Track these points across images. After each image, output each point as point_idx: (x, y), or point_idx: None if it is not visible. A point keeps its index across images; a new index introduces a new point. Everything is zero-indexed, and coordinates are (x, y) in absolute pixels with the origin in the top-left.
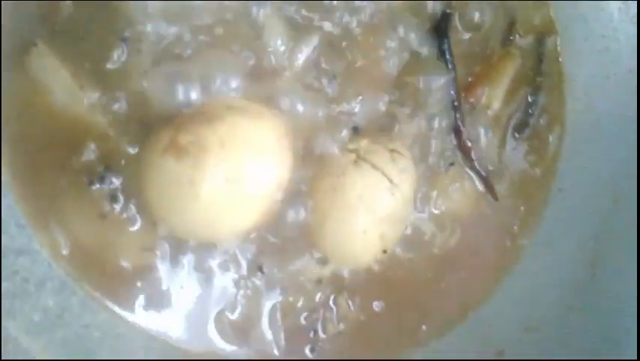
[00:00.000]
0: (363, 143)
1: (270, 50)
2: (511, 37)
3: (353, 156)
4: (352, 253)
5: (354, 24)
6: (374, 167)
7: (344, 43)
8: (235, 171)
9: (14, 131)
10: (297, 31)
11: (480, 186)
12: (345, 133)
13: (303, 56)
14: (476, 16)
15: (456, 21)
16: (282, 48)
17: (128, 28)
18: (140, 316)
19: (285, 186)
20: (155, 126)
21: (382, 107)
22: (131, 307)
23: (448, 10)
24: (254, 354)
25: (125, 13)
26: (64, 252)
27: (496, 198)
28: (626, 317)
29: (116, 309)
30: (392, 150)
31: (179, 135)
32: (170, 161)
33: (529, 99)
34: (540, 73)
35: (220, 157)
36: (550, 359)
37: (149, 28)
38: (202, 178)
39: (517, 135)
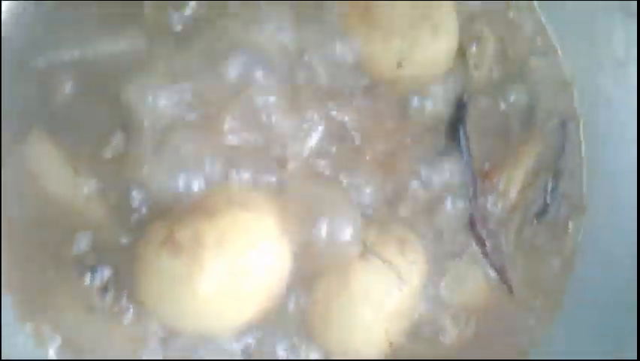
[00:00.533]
0: (372, 233)
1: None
2: (533, 122)
3: (360, 247)
4: (355, 348)
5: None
6: (382, 261)
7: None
8: (233, 268)
9: (6, 219)
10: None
11: (493, 278)
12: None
13: (311, 142)
14: (496, 101)
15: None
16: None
17: (129, 116)
18: None
19: (285, 279)
20: (152, 218)
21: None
22: None
23: (465, 96)
24: None
25: (126, 101)
26: (52, 347)
27: (511, 291)
28: None
29: None
30: (402, 241)
31: (175, 230)
32: (166, 257)
33: (550, 186)
34: (561, 158)
35: (218, 253)
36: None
37: (150, 117)
38: (199, 275)
39: (535, 223)
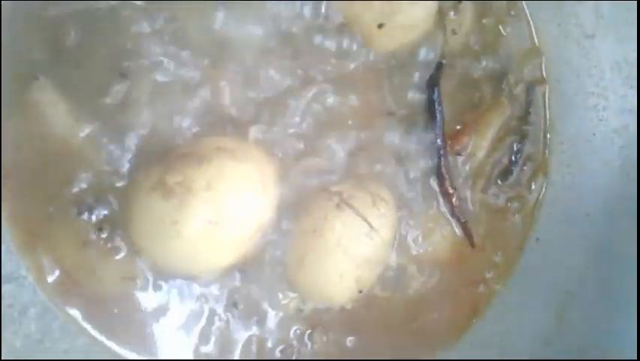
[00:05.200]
0: (347, 186)
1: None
2: (503, 87)
3: (336, 199)
4: (328, 294)
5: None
6: (355, 211)
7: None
8: (218, 214)
9: (9, 159)
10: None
11: (459, 232)
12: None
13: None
14: (469, 64)
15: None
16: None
17: (129, 61)
18: (118, 342)
19: (266, 226)
20: (146, 163)
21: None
22: (108, 333)
23: (442, 61)
24: None
25: (127, 47)
26: (50, 278)
27: (473, 245)
28: None
29: (95, 334)
30: (374, 195)
31: (167, 175)
32: (157, 199)
33: (515, 147)
34: (527, 122)
35: (205, 199)
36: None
37: (149, 60)
38: (186, 219)
39: (500, 182)
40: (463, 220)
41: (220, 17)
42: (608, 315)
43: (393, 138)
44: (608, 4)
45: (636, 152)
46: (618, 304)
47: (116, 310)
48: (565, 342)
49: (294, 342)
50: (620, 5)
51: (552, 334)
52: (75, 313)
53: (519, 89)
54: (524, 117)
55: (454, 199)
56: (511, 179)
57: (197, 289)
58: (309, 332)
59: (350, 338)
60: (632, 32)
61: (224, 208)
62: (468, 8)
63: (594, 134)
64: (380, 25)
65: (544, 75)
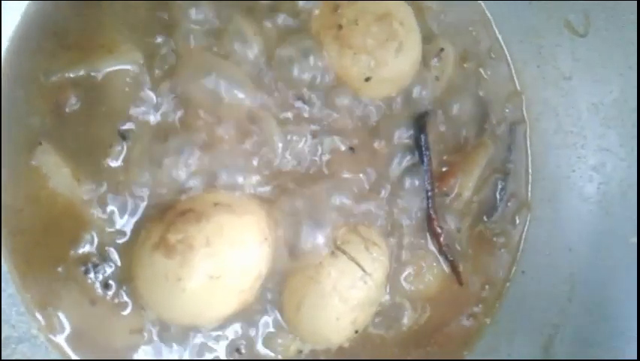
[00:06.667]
0: (341, 232)
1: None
2: (486, 127)
3: (330, 246)
4: (326, 335)
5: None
6: (349, 257)
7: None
8: (219, 268)
9: (16, 224)
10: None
11: (447, 269)
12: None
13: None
14: (454, 108)
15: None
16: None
17: (129, 123)
18: None
19: (264, 276)
20: (148, 219)
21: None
22: None
23: (428, 108)
24: None
25: (124, 108)
26: (61, 336)
27: (461, 283)
28: None
29: None
30: (366, 239)
31: (168, 234)
32: (160, 257)
33: (499, 185)
34: (510, 160)
35: (206, 255)
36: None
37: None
38: (188, 275)
39: (485, 219)
40: (451, 258)
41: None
42: (594, 345)
43: (384, 181)
44: (583, 47)
45: (614, 188)
46: (603, 333)
47: None
48: None
49: None
50: (595, 49)
51: None
52: None
53: (501, 129)
54: (507, 156)
55: (441, 238)
56: (497, 215)
57: (200, 337)
58: None
59: None
60: (607, 75)
61: (225, 262)
62: (450, 54)
63: (573, 170)
64: (367, 79)
65: (525, 115)
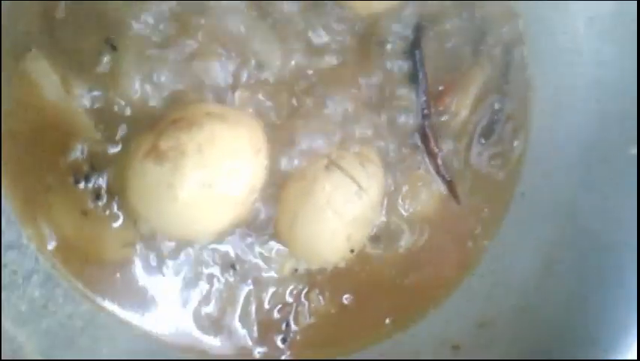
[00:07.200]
0: (335, 148)
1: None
2: (481, 48)
3: (325, 160)
4: (321, 253)
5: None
6: (344, 172)
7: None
8: (211, 176)
9: (5, 130)
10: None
11: (444, 190)
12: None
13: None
14: (449, 26)
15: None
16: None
17: (115, 30)
18: (120, 306)
19: (258, 189)
20: (138, 129)
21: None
22: (111, 299)
23: (422, 23)
24: (229, 346)
25: (113, 17)
26: (50, 246)
27: (458, 202)
28: (576, 315)
29: (98, 300)
30: (362, 156)
31: (160, 141)
32: (151, 165)
33: (496, 106)
34: (507, 81)
35: (198, 162)
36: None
37: (135, 28)
38: (180, 182)
39: (483, 141)
40: (449, 178)
41: None
42: (595, 262)
43: (380, 100)
44: None
45: (612, 103)
46: (605, 248)
47: (117, 276)
48: (549, 292)
49: (292, 301)
50: None
51: (537, 285)
52: (77, 279)
53: (498, 50)
54: (504, 77)
55: (438, 158)
56: (494, 137)
57: (194, 252)
58: (305, 290)
59: (346, 295)
60: None
61: (218, 171)
62: None
63: (571, 89)
64: None
65: (522, 35)
